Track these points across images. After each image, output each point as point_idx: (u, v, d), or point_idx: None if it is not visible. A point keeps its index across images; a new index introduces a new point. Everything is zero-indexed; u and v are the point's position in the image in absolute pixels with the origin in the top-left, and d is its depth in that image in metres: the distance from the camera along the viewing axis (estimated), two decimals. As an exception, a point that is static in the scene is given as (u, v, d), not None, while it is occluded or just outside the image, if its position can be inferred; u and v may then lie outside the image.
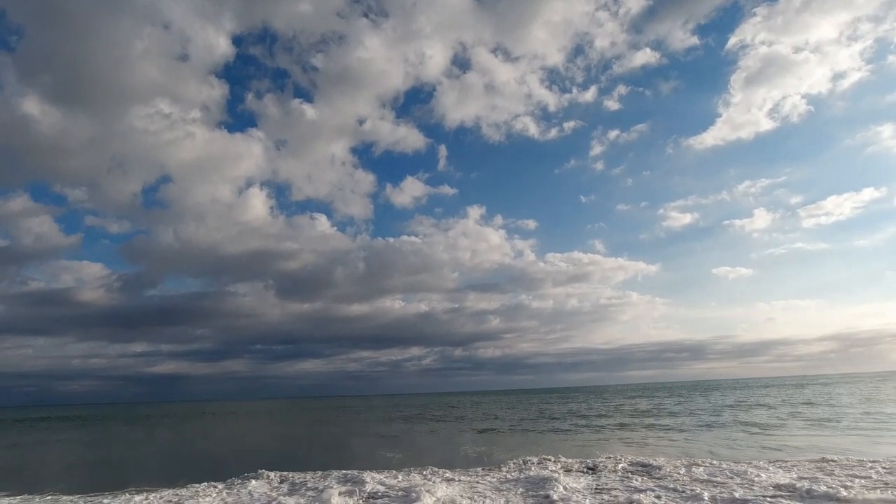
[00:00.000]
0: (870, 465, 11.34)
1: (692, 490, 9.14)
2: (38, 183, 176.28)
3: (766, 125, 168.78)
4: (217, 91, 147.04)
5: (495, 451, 16.47)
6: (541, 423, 28.04)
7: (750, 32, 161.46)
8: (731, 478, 10.08)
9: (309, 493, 10.35)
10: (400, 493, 8.95)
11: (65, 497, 11.03)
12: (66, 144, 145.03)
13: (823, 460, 12.23)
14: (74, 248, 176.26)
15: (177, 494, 10.68)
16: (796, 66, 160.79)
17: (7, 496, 11.48)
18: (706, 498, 8.44)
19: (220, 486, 11.65)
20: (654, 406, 37.69)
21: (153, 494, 10.70)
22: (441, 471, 12.56)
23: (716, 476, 10.33)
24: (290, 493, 10.53)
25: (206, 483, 11.89)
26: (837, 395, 40.24)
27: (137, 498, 10.37)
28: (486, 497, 9.18)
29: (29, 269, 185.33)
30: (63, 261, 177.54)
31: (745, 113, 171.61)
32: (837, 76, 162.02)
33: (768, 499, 8.21)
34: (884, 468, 10.78)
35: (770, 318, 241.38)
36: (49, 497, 11.17)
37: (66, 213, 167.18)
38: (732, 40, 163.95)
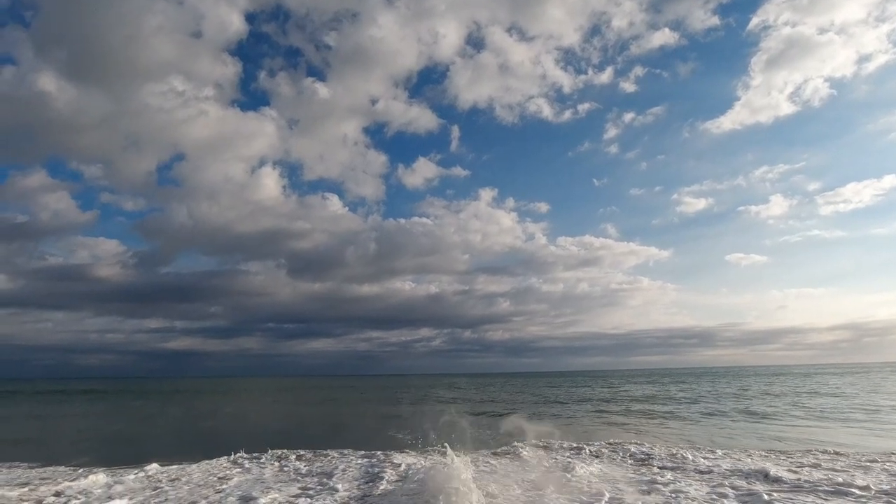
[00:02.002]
0: (867, 458, 11.57)
1: (692, 481, 9.43)
2: (55, 159, 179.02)
3: (787, 109, 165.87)
4: (230, 69, 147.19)
5: (500, 435, 16.84)
6: (546, 406, 28.48)
7: (773, 12, 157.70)
8: (729, 468, 10.36)
9: (328, 472, 10.81)
10: (421, 477, 9.26)
11: (95, 469, 11.58)
12: (81, 121, 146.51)
13: (817, 452, 12.47)
14: (90, 225, 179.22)
15: (191, 469, 11.19)
16: (820, 47, 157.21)
17: (36, 467, 12.09)
18: (704, 489, 8.74)
19: (242, 461, 12.15)
20: (659, 392, 37.99)
21: (172, 468, 11.21)
22: (454, 453, 12.96)
23: (715, 468, 10.61)
24: (308, 473, 10.99)
25: (224, 458, 12.42)
26: (844, 386, 40.24)
27: (150, 469, 10.88)
28: (503, 484, 9.46)
29: (46, 245, 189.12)
30: (80, 237, 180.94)
31: (764, 96, 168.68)
32: (863, 59, 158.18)
33: (764, 492, 8.48)
34: (881, 461, 11.01)
35: (782, 305, 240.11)
36: (80, 469, 11.72)
37: (82, 189, 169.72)
38: (754, 21, 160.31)
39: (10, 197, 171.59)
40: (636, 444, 13.93)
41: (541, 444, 14.29)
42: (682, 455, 11.96)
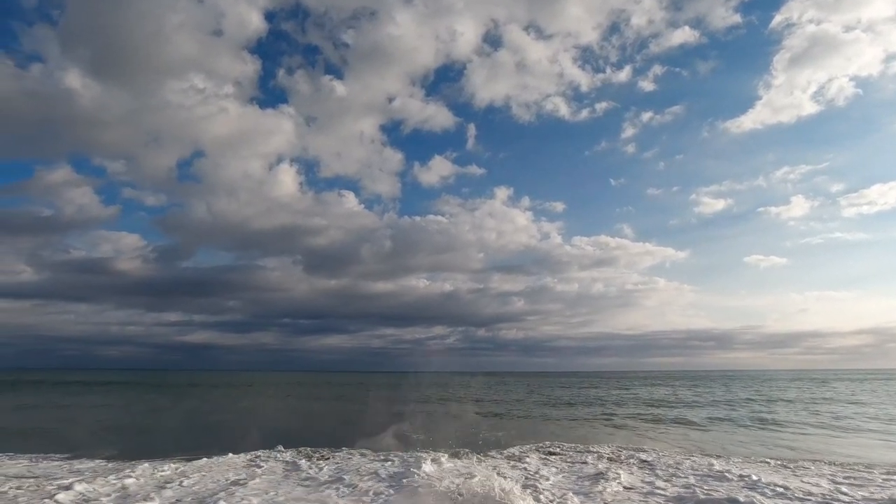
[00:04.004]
0: (883, 471, 11.58)
1: (709, 493, 9.57)
2: (79, 155, 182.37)
3: (810, 108, 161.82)
4: (250, 67, 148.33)
5: (510, 437, 17.01)
6: (555, 409, 28.58)
7: (797, 10, 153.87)
8: (745, 480, 10.47)
9: (347, 473, 11.12)
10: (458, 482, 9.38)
11: (122, 463, 12.07)
12: (104, 117, 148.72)
13: (831, 464, 12.48)
14: (113, 219, 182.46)
15: (216, 465, 11.60)
16: (846, 45, 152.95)
17: (69, 459, 12.62)
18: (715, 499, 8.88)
19: (259, 460, 12.54)
20: (673, 397, 37.78)
21: (199, 462, 11.64)
22: (476, 455, 13.24)
23: (725, 478, 10.73)
24: (328, 475, 11.31)
25: (243, 455, 12.82)
26: (863, 393, 39.68)
27: (175, 465, 11.31)
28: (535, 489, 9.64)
29: (71, 238, 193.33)
30: (102, 231, 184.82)
31: (787, 95, 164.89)
32: (891, 57, 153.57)
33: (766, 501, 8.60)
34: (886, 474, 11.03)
35: (802, 308, 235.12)
36: (110, 464, 12.20)
37: (105, 184, 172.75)
38: (778, 18, 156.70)
39: (36, 191, 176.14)
40: (646, 450, 14.07)
41: (549, 448, 14.48)
42: (690, 464, 12.09)
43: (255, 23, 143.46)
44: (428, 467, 11.04)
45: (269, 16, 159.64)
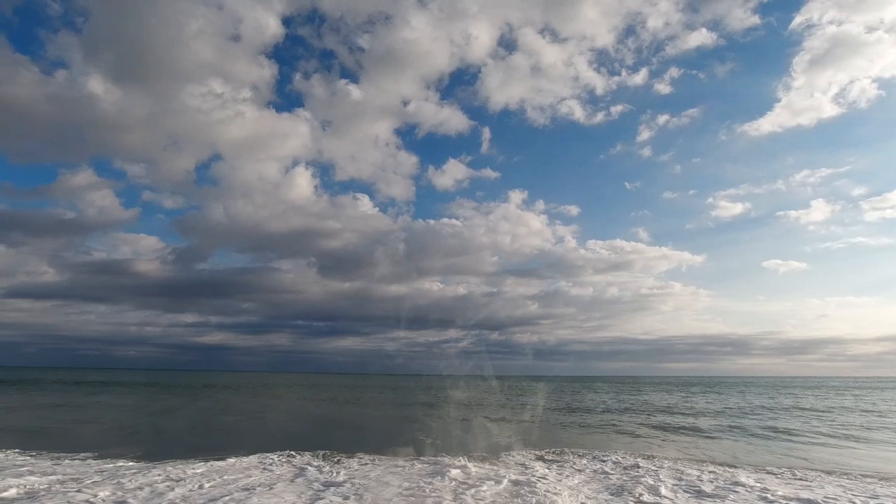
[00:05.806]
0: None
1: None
2: (101, 158, 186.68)
3: (830, 111, 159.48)
4: (267, 71, 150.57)
5: (518, 444, 17.08)
6: (568, 415, 28.52)
7: (817, 10, 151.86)
8: (754, 492, 10.46)
9: (370, 479, 11.29)
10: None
11: (146, 463, 12.39)
12: (125, 122, 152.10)
13: (839, 474, 12.38)
14: (132, 222, 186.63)
15: (242, 465, 11.87)
16: (868, 46, 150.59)
17: (90, 459, 12.99)
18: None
19: (271, 465, 12.79)
20: (686, 403, 37.46)
21: (220, 464, 11.91)
22: (488, 463, 13.34)
23: (740, 491, 10.72)
24: (343, 480, 11.49)
25: (255, 456, 13.09)
26: (882, 402, 38.98)
27: (198, 467, 11.58)
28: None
29: (92, 240, 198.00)
30: (122, 233, 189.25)
31: (807, 98, 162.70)
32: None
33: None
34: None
35: (823, 314, 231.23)
36: (139, 464, 12.53)
37: (125, 187, 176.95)
38: (798, 19, 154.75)
39: (59, 194, 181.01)
40: (657, 457, 14.06)
41: (559, 455, 14.52)
42: (704, 475, 12.08)
43: (273, 28, 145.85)
44: (454, 475, 11.12)
45: (286, 21, 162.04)
